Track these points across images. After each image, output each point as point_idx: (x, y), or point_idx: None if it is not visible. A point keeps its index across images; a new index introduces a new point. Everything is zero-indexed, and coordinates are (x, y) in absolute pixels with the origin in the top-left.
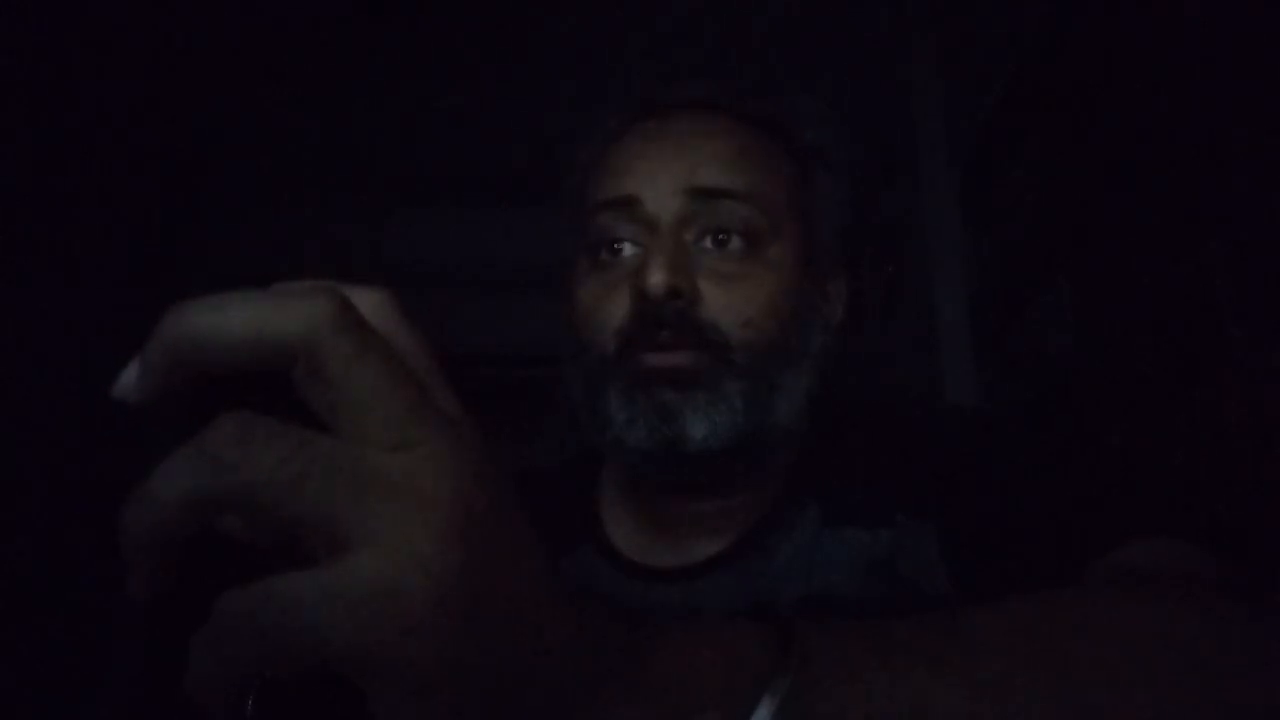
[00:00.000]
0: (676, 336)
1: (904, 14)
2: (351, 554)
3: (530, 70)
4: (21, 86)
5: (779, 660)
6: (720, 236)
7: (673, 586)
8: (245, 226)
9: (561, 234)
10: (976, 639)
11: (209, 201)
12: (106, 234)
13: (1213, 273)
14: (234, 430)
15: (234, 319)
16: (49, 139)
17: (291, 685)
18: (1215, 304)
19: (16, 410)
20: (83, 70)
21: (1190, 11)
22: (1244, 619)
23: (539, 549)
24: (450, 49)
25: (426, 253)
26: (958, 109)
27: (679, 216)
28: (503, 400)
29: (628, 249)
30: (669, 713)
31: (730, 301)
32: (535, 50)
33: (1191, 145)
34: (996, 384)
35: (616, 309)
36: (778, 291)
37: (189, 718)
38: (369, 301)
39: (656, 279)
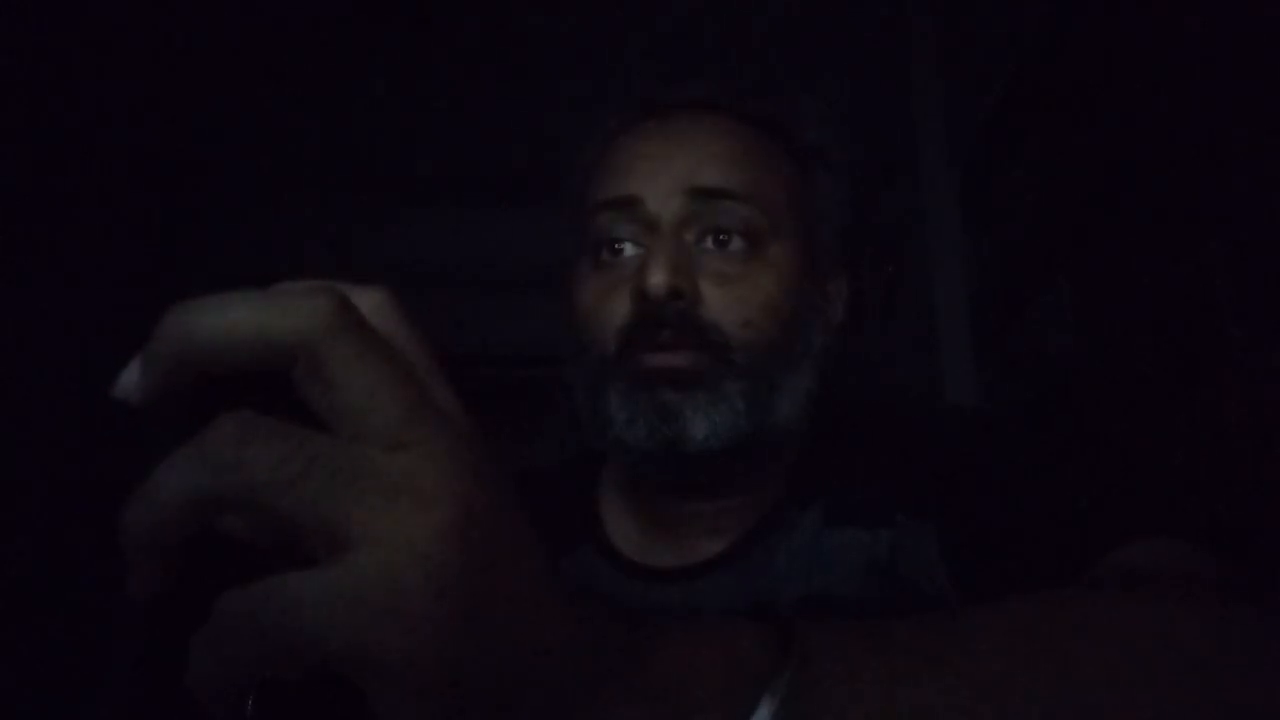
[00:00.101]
0: (677, 337)
1: (904, 14)
2: (351, 553)
3: (530, 70)
4: (21, 86)
5: (779, 660)
6: (721, 237)
7: (673, 586)
8: (245, 226)
9: (561, 234)
10: (976, 639)
11: (209, 201)
12: (106, 234)
13: (1213, 273)
14: (234, 430)
15: (234, 319)
16: (49, 139)
17: (291, 685)
18: (1215, 304)
19: (16, 410)
20: (83, 70)
21: (1190, 11)
22: (1244, 619)
23: (539, 549)
24: (450, 49)
25: (426, 253)
26: (958, 109)
27: (680, 217)
28: (503, 400)
29: (628, 249)
30: (669, 713)
31: (731, 302)
32: (535, 50)
33: (1191, 145)
34: (996, 384)
35: (617, 309)
36: (778, 292)
37: (189, 718)
38: (369, 301)
39: (657, 279)
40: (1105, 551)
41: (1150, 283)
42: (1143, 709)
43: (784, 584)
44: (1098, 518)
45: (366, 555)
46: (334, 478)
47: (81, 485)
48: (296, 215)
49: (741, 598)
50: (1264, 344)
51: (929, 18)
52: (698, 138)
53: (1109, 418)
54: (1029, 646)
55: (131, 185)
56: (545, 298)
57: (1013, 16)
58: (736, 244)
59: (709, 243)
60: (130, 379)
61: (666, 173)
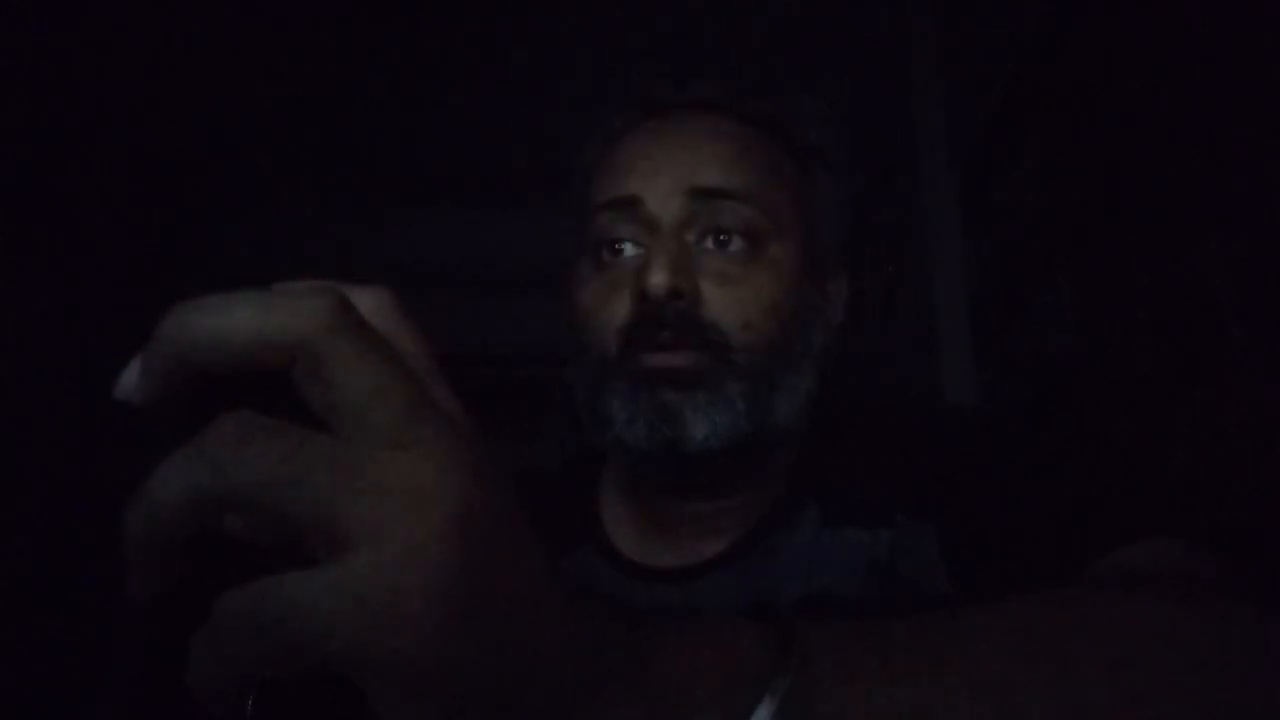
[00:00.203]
0: (677, 337)
1: (904, 14)
2: (351, 553)
3: (530, 70)
4: (21, 86)
5: (779, 660)
6: (721, 237)
7: (673, 586)
8: (245, 226)
9: (562, 234)
10: (976, 639)
11: (209, 201)
12: (106, 234)
13: (1213, 273)
14: (234, 430)
15: (234, 319)
16: (49, 139)
17: (291, 685)
18: (1215, 304)
19: (16, 410)
20: (83, 70)
21: (1190, 11)
22: (1244, 619)
23: (539, 549)
24: (450, 49)
25: (426, 253)
26: (958, 109)
27: (680, 217)
28: (503, 400)
29: (629, 249)
30: (669, 713)
31: (731, 302)
32: (535, 50)
33: (1191, 145)
34: (996, 384)
35: (618, 309)
36: (778, 292)
37: (189, 718)
38: (369, 301)
39: (658, 279)
40: (1105, 551)
41: (1150, 283)
42: (1143, 709)
43: (784, 584)
44: (1098, 518)
45: (366, 555)
46: (333, 478)
47: (81, 485)
48: (296, 215)
49: (741, 598)
50: (1264, 344)
51: (929, 18)
52: (698, 138)
53: (1109, 418)
54: (1029, 646)
55: (131, 185)
56: (545, 298)
57: (1013, 16)
58: (737, 244)
59: (709, 243)
60: (131, 379)
61: (667, 173)
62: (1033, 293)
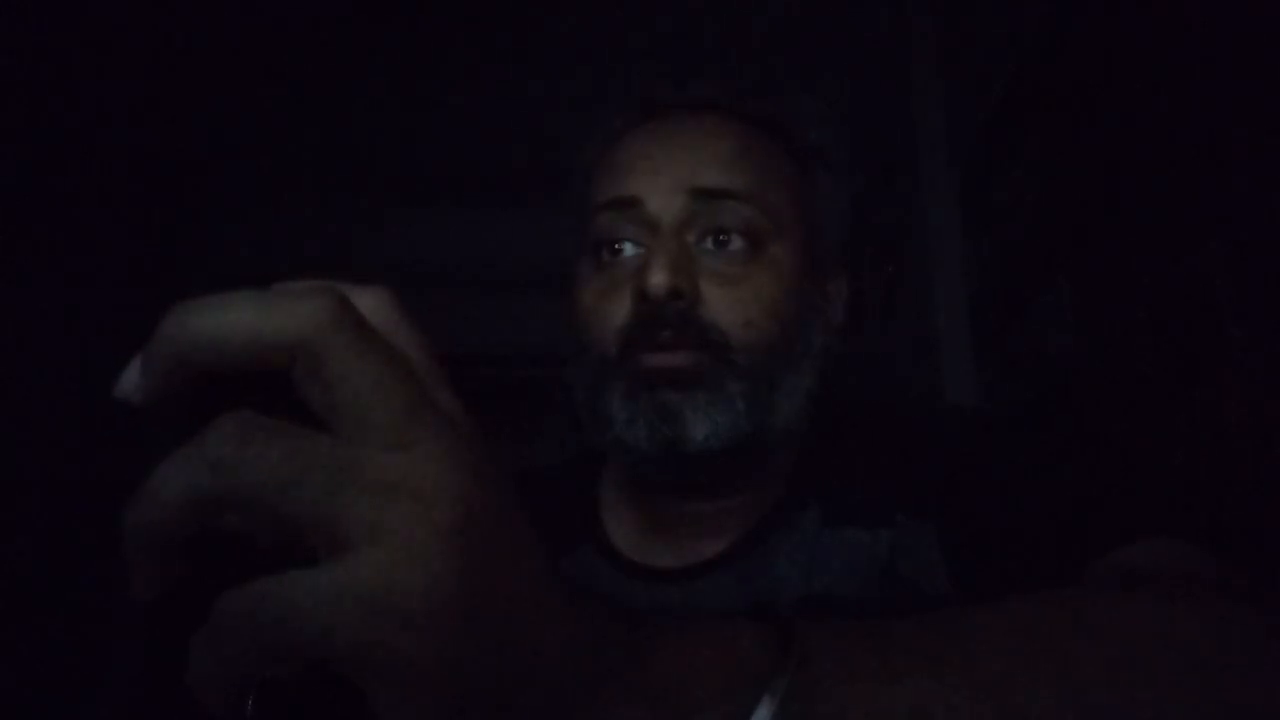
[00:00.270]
0: (677, 337)
1: (904, 14)
2: (351, 553)
3: (530, 70)
4: (21, 86)
5: (779, 660)
6: (721, 237)
7: (673, 586)
8: (245, 226)
9: (562, 234)
10: (977, 639)
11: (209, 201)
12: (106, 234)
13: (1213, 273)
14: (234, 430)
15: (234, 318)
16: (49, 139)
17: (291, 685)
18: (1215, 304)
19: (16, 410)
20: (83, 70)
21: (1190, 11)
22: (1244, 619)
23: (539, 549)
24: (450, 49)
25: (426, 253)
26: (958, 109)
27: (680, 217)
28: (503, 400)
29: (629, 249)
30: (669, 713)
31: (731, 302)
32: (535, 50)
33: (1191, 145)
34: (996, 384)
35: (618, 309)
36: (779, 292)
37: (189, 718)
38: (369, 301)
39: (658, 280)
40: (1105, 551)
41: (1150, 283)
42: (1143, 709)
43: (784, 584)
44: (1098, 518)
45: (366, 555)
46: (333, 478)
47: (81, 485)
48: (296, 215)
49: (741, 598)
50: (1264, 344)
51: (929, 18)
52: (698, 138)
53: (1109, 418)
54: (1029, 646)
55: (131, 185)
56: (545, 298)
57: (1013, 16)
58: (737, 244)
59: (709, 243)
60: (131, 379)
61: (667, 173)
62: (1033, 293)
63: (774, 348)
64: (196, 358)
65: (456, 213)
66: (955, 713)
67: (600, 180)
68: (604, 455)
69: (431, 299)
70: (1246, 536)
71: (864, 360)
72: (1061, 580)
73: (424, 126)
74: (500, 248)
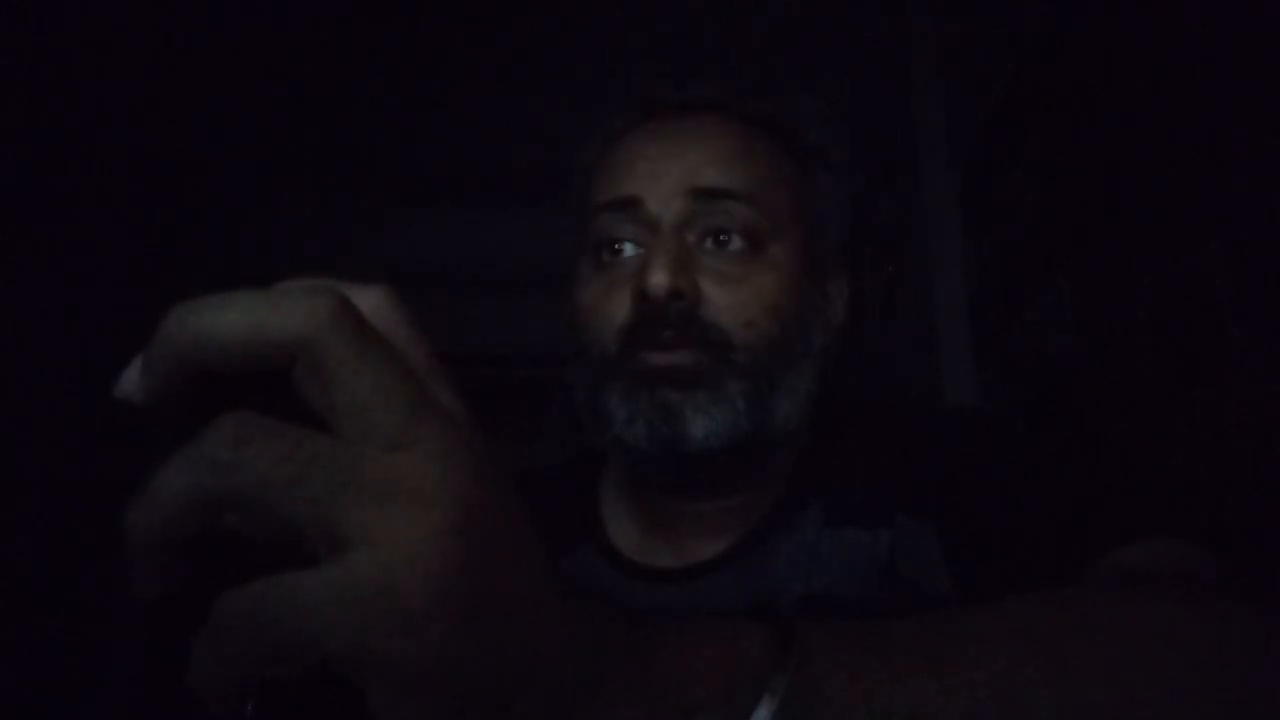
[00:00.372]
0: (678, 336)
1: (904, 14)
2: (350, 553)
3: (530, 70)
4: (21, 86)
5: (779, 660)
6: (721, 237)
7: (673, 586)
8: (245, 226)
9: (562, 234)
10: (977, 639)
11: (209, 201)
12: (106, 234)
13: (1213, 273)
14: (233, 430)
15: (234, 318)
16: (49, 139)
17: (291, 685)
18: (1215, 304)
19: (16, 410)
20: (83, 70)
21: (1190, 11)
22: (1244, 619)
23: (539, 549)
24: (450, 49)
25: (426, 253)
26: (958, 109)
27: (680, 217)
28: (503, 400)
29: (629, 249)
30: (669, 713)
31: (732, 302)
32: (535, 50)
33: (1191, 145)
34: (996, 384)
35: (618, 309)
36: (779, 291)
37: (189, 718)
38: (370, 300)
39: (658, 280)
40: (1105, 551)
41: (1150, 283)
42: (1142, 709)
43: (784, 584)
44: (1098, 518)
45: (365, 555)
46: (333, 478)
47: (81, 485)
48: (296, 215)
49: (741, 598)
50: (1264, 344)
51: (929, 18)
52: (698, 138)
53: (1109, 418)
54: (1029, 646)
55: (131, 185)
56: (545, 298)
57: (1013, 16)
58: (737, 244)
59: (709, 243)
60: (131, 379)
61: (667, 173)
62: (1033, 293)
63: (774, 347)
64: (196, 358)
65: (456, 213)
66: (955, 713)
67: (600, 180)
68: (604, 455)
69: (431, 299)
70: (1246, 536)
71: (864, 360)
72: (1061, 580)
73: (424, 126)
74: (500, 248)
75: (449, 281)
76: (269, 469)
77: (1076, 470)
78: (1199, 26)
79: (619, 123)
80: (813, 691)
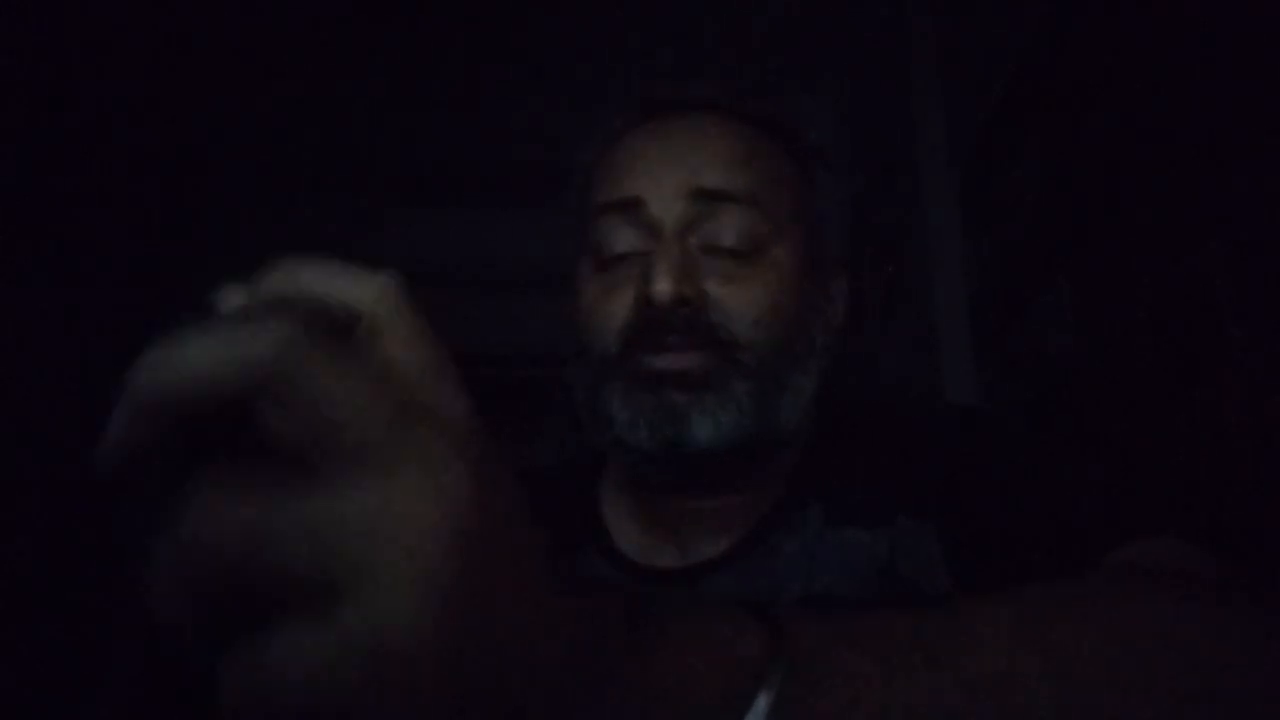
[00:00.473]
0: (683, 339)
1: (904, 14)
2: (340, 604)
3: (530, 70)
4: (21, 86)
5: (774, 660)
6: (723, 239)
7: (673, 587)
8: (245, 226)
9: (563, 234)
10: (975, 636)
11: (209, 201)
12: (106, 234)
13: (1213, 273)
14: (204, 497)
15: (191, 359)
16: (49, 139)
17: None
18: (1215, 304)
19: (16, 410)
20: (83, 70)
21: (1190, 11)
22: (1244, 618)
23: (541, 552)
24: (450, 49)
25: (426, 253)
26: (958, 109)
27: (682, 219)
28: (503, 400)
29: (630, 251)
30: (668, 713)
31: (737, 303)
32: (535, 50)
33: (1191, 145)
34: (996, 384)
35: (618, 310)
36: (782, 292)
37: (189, 718)
38: (369, 292)
39: (663, 286)
40: (1105, 551)
41: (1150, 283)
42: (1142, 707)
43: (785, 584)
44: (1098, 517)
45: (354, 606)
46: (306, 534)
47: (81, 485)
48: (296, 215)
49: (742, 598)
50: (1264, 344)
51: (929, 18)
52: (699, 139)
53: (1109, 418)
54: (1028, 645)
55: (131, 185)
56: (545, 298)
57: (1013, 16)
58: (739, 247)
59: (712, 246)
60: (109, 445)
61: (669, 175)
62: (1033, 293)
63: (779, 347)
64: (162, 405)
65: (456, 213)
66: (953, 710)
67: (601, 181)
68: (604, 455)
69: (431, 299)
70: (1246, 536)
71: (864, 360)
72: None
73: (424, 126)
74: (500, 248)
75: (449, 281)
76: (242, 525)
77: (1076, 470)
78: (1199, 26)
79: (619, 123)
80: (811, 690)
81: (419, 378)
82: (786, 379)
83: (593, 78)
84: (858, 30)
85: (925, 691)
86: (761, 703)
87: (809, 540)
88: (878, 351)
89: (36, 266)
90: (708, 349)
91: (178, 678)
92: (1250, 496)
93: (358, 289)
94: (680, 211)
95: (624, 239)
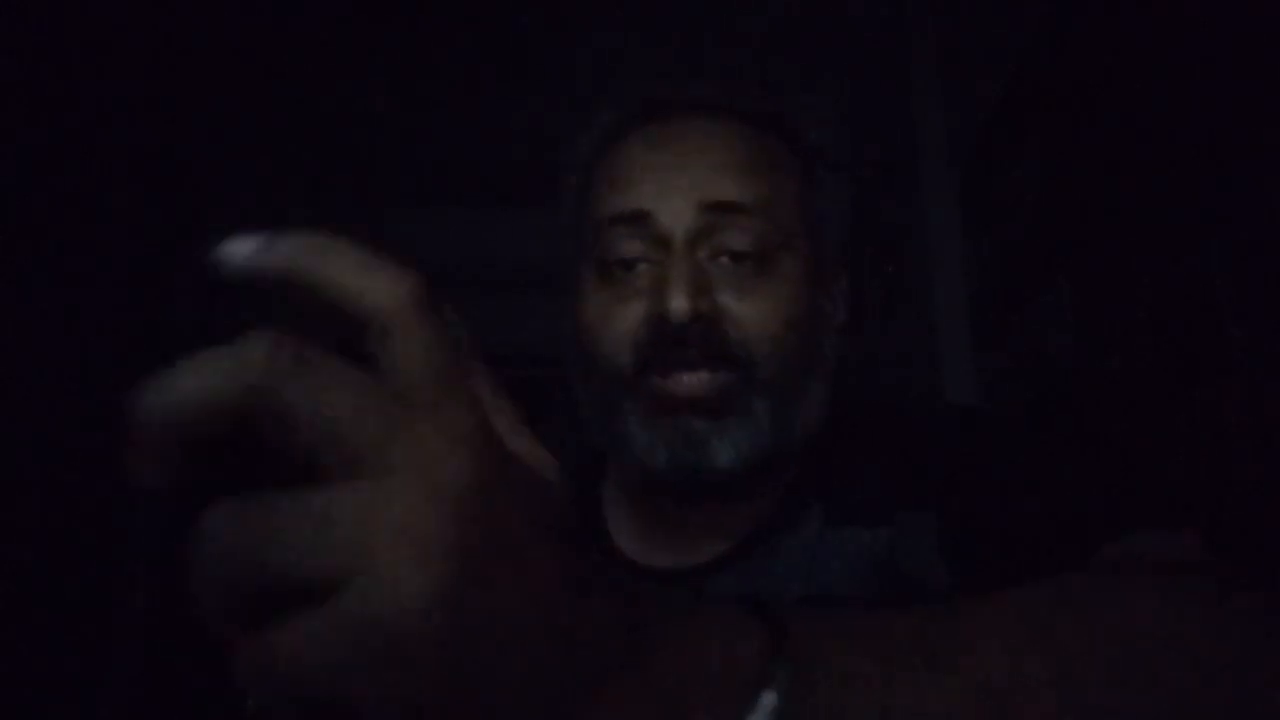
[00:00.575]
0: (699, 356)
1: (904, 14)
2: (342, 595)
3: (530, 70)
4: (21, 86)
5: (778, 660)
6: (734, 252)
7: (675, 588)
8: (245, 226)
9: (562, 234)
10: (977, 637)
11: (209, 201)
12: (106, 234)
13: (1213, 273)
14: (225, 513)
15: (186, 387)
16: (49, 139)
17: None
18: (1215, 304)
19: (16, 410)
20: (83, 70)
21: (1190, 11)
22: (1245, 618)
23: (545, 549)
24: (450, 49)
25: (426, 253)
26: (958, 109)
27: (692, 232)
28: None
29: (640, 265)
30: (669, 713)
31: (751, 317)
32: (535, 50)
33: (1191, 145)
34: (996, 384)
35: (628, 324)
36: (792, 302)
37: (189, 718)
38: (384, 290)
39: (678, 304)
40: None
41: (1150, 283)
42: (1143, 704)
43: (785, 584)
44: (1097, 517)
45: (353, 597)
46: (308, 534)
47: (81, 485)
48: (297, 215)
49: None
50: (1264, 344)
51: (929, 18)
52: (706, 146)
53: (1109, 418)
54: (1030, 645)
55: (131, 185)
56: (545, 298)
57: (1013, 16)
58: (749, 258)
59: (723, 259)
60: (129, 472)
61: (677, 186)
62: (1033, 293)
63: (794, 359)
64: (170, 434)
65: (456, 213)
66: (953, 710)
67: (604, 189)
68: (604, 455)
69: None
70: (1246, 536)
71: (864, 360)
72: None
73: (424, 126)
74: (500, 248)
75: (449, 281)
76: (247, 539)
77: (1076, 470)
78: (1199, 26)
79: (618, 123)
80: (809, 691)
81: (425, 378)
82: (801, 390)
83: (593, 78)
84: (858, 30)
85: (926, 692)
86: (765, 702)
87: (809, 540)
88: (878, 351)
89: (36, 266)
90: (724, 368)
91: (178, 678)
92: (1250, 496)
93: (373, 287)
94: (690, 222)
95: (631, 249)
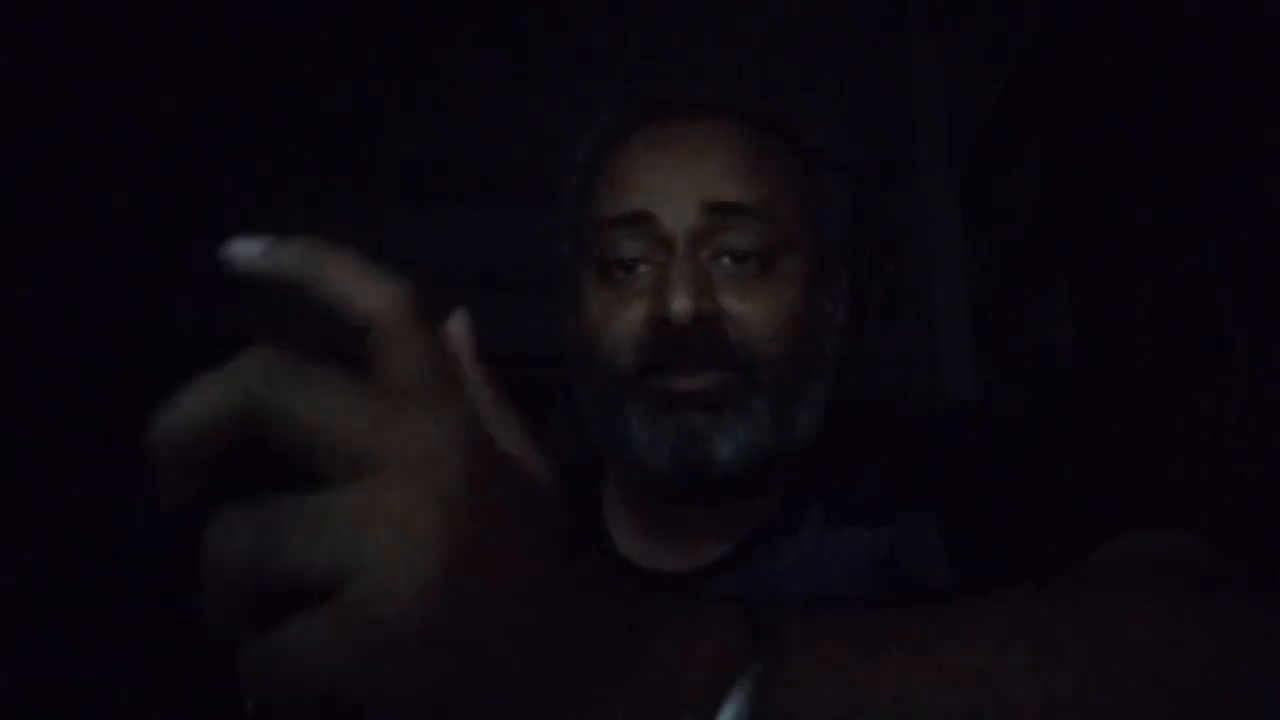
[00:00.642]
0: (701, 358)
1: (904, 14)
2: (343, 592)
3: (530, 70)
4: (21, 86)
5: (754, 655)
6: (736, 253)
7: (675, 590)
8: (245, 226)
9: (562, 234)
10: (965, 629)
11: (209, 201)
12: (106, 234)
13: (1213, 273)
14: (222, 527)
15: (188, 409)
16: (49, 139)
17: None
18: (1215, 304)
19: (16, 410)
20: (83, 70)
21: (1190, 11)
22: (1244, 617)
23: (543, 550)
24: (450, 49)
25: (426, 253)
26: (958, 109)
27: (694, 233)
28: None
29: (641, 266)
30: (654, 710)
31: (753, 318)
32: (535, 50)
33: (1191, 145)
34: (996, 384)
35: (630, 326)
36: (793, 303)
37: (189, 718)
38: (380, 298)
39: (681, 305)
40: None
41: (1150, 283)
42: (1140, 705)
43: (786, 585)
44: (1097, 515)
45: (350, 594)
46: (305, 530)
47: (81, 485)
48: (297, 215)
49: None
50: (1264, 344)
51: (929, 18)
52: (708, 148)
53: (1109, 417)
54: (1017, 639)
55: (131, 185)
56: (545, 298)
57: (1013, 16)
58: (751, 259)
59: (725, 259)
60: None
61: (679, 187)
62: (1033, 293)
63: (795, 361)
64: (185, 455)
65: (456, 213)
66: (939, 700)
67: (605, 190)
68: (604, 457)
69: (432, 299)
70: (1246, 536)
71: (864, 360)
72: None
73: (424, 126)
74: (500, 248)
75: (449, 281)
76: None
77: (1076, 469)
78: (1199, 26)
79: (619, 123)
80: (790, 685)
81: (418, 382)
82: (802, 391)
83: (593, 78)
84: (858, 30)
85: (912, 682)
86: (738, 695)
87: (810, 541)
88: (878, 351)
89: (36, 266)
90: (727, 368)
91: (178, 678)
92: (1250, 496)
93: (369, 294)
94: (692, 223)
95: (632, 250)
